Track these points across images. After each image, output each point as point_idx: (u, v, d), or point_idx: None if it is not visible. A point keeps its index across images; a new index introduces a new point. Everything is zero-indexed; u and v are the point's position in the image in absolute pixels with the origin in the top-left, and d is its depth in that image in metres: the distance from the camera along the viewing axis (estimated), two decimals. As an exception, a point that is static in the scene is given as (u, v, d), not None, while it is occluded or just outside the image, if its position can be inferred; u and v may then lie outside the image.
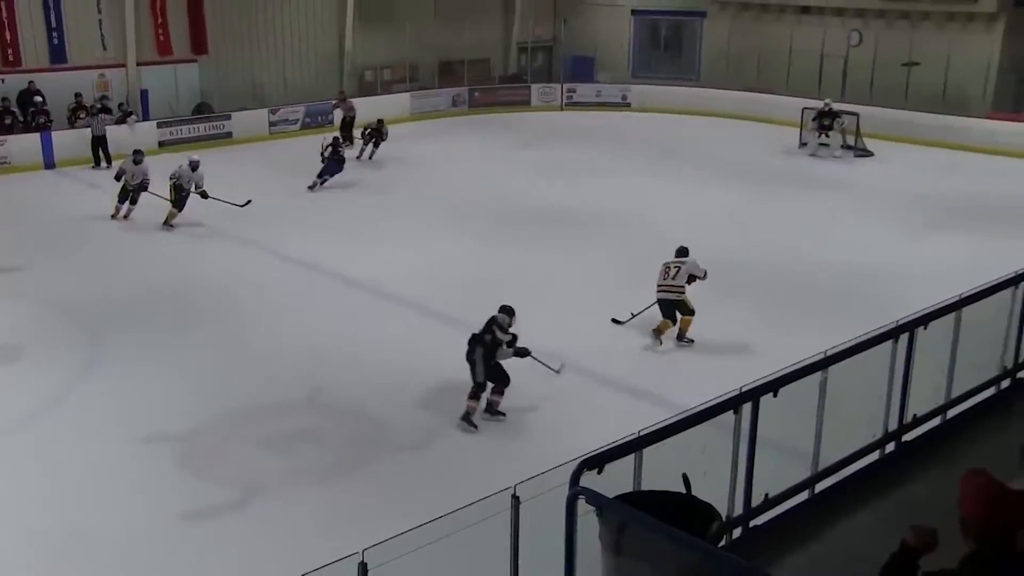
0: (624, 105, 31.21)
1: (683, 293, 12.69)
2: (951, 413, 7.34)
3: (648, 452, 5.05)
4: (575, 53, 33.20)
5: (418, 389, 11.46)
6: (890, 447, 6.95)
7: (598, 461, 4.69)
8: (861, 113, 25.29)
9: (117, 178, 18.27)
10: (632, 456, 5.01)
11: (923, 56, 27.10)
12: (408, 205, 19.59)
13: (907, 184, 21.89)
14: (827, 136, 24.39)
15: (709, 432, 5.40)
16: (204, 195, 17.74)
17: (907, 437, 7.01)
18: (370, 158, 23.24)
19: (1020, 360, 8.21)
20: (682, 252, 13.14)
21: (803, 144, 24.95)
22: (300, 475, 9.69)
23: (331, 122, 26.38)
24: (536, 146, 25.16)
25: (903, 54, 27.30)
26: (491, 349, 10.68)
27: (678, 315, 12.73)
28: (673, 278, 12.73)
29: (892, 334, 6.72)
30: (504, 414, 10.83)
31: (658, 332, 12.74)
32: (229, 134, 25.51)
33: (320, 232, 17.70)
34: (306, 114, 26.92)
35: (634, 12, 33.56)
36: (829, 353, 6.24)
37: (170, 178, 17.86)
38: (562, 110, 30.84)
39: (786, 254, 16.66)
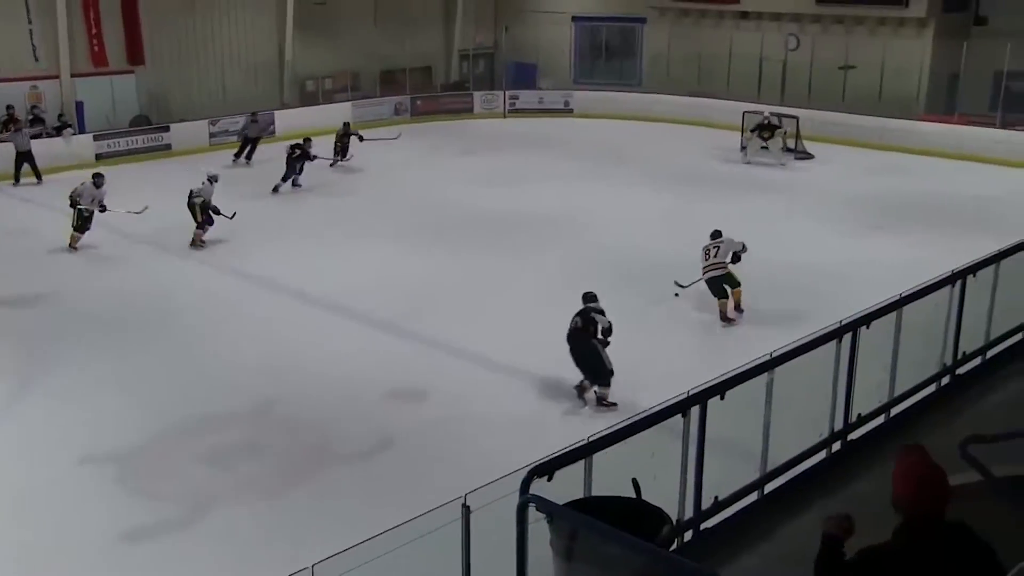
0: (567, 111, 31.34)
1: (726, 269, 13.90)
2: (894, 411, 7.45)
3: (598, 457, 5.05)
4: (517, 60, 33.27)
5: (364, 399, 11.37)
6: (836, 446, 7.03)
7: (548, 468, 4.68)
8: (800, 116, 25.66)
9: (73, 204, 17.00)
10: (582, 462, 5.00)
11: (858, 60, 27.62)
12: (351, 215, 19.46)
13: (846, 186, 22.24)
14: (767, 146, 24.63)
15: (658, 436, 5.41)
16: (103, 209, 17.02)
17: (853, 436, 7.09)
18: (336, 162, 23.35)
19: (959, 357, 8.38)
20: (716, 235, 14.36)
21: (744, 148, 25.22)
22: (246, 490, 9.55)
23: (273, 133, 26.14)
24: (480, 153, 25.17)
25: (839, 58, 27.80)
26: (591, 338, 11.24)
27: (728, 290, 13.80)
28: (715, 257, 13.98)
29: (836, 334, 6.81)
30: (616, 404, 11.04)
31: (723, 315, 13.77)
32: (168, 146, 25.14)
33: (262, 243, 17.52)
34: (246, 124, 26.57)
35: (575, 19, 33.76)
36: (775, 354, 6.30)
37: (71, 196, 17.03)
38: (505, 117, 30.89)
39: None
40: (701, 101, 29.70)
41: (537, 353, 12.51)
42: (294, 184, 21.45)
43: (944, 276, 8.03)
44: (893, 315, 7.39)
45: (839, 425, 7.06)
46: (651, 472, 4.99)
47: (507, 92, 31.65)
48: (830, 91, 27.82)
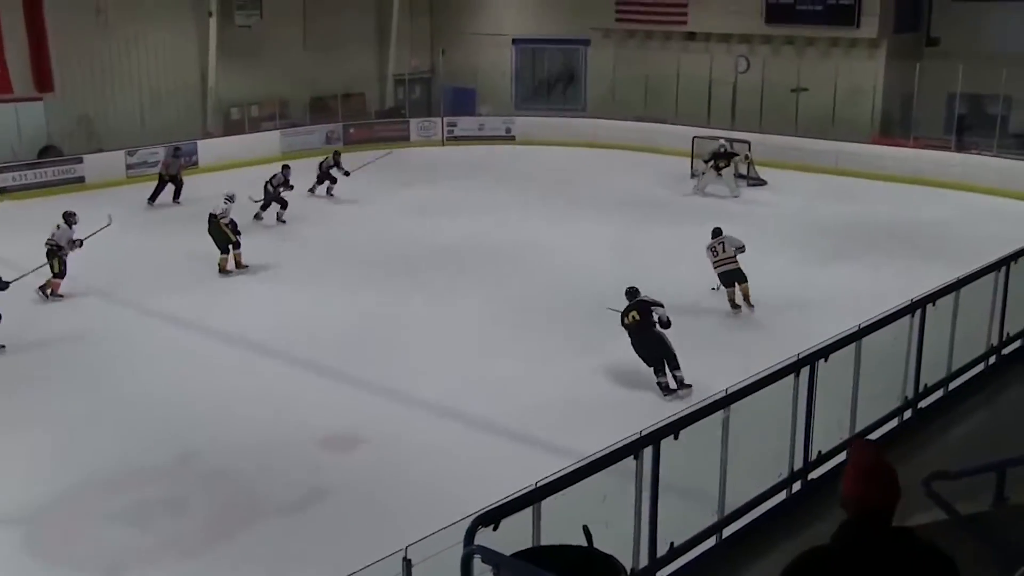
0: (508, 138, 31.53)
1: (736, 263, 15.74)
2: (856, 447, 7.52)
3: (547, 504, 5.02)
4: (455, 85, 33.46)
5: (292, 447, 11.21)
6: (797, 486, 7.07)
7: (493, 517, 4.64)
8: (752, 141, 26.10)
9: (53, 253, 16.39)
10: (529, 509, 4.97)
11: (810, 82, 28.20)
12: (279, 250, 19.28)
13: (801, 212, 22.61)
14: (720, 175, 24.91)
15: (609, 480, 5.40)
16: (80, 244, 16.73)
17: (813, 475, 7.15)
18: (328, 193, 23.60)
19: (920, 390, 8.50)
20: (717, 232, 16.27)
21: (695, 175, 25.51)
22: (166, 550, 9.33)
23: (196, 163, 25.92)
24: (417, 183, 25.17)
25: (791, 80, 28.36)
26: (653, 327, 12.68)
27: (736, 285, 15.59)
28: (724, 252, 15.88)
29: (793, 368, 6.87)
30: (691, 385, 12.43)
31: (732, 302, 15.63)
32: (81, 179, 24.79)
33: (183, 281, 17.31)
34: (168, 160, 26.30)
35: (515, 41, 34.06)
36: (730, 390, 6.33)
37: (49, 244, 16.50)
38: (443, 145, 30.98)
39: (682, 288, 16.93)
40: (648, 126, 30.10)
41: (481, 392, 12.47)
42: (279, 218, 21.23)
43: (903, 305, 8.17)
44: (852, 347, 7.49)
45: (799, 464, 7.11)
46: (603, 518, 4.97)
47: (445, 119, 31.78)
48: (782, 114, 28.34)
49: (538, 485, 5.01)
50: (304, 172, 23.09)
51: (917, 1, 28.54)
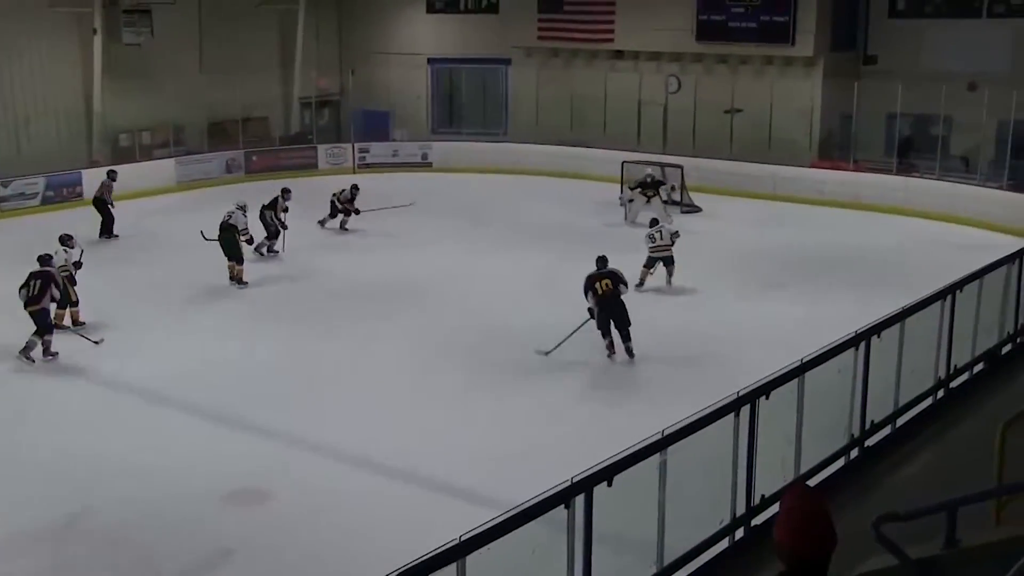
0: (425, 165, 31.59)
1: (671, 249, 19.04)
2: (801, 489, 7.61)
3: (471, 559, 5.00)
4: (366, 108, 33.45)
5: (195, 503, 11.01)
6: (740, 533, 7.13)
7: (415, 574, 4.60)
8: (685, 165, 26.48)
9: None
10: (453, 565, 4.94)
11: (745, 102, 28.75)
12: (173, 291, 18.96)
13: (738, 240, 22.97)
14: (649, 204, 25.16)
15: (539, 531, 5.40)
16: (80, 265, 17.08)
17: (757, 521, 7.21)
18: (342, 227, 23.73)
19: (867, 428, 8.66)
20: (654, 222, 19.88)
21: (624, 202, 25.76)
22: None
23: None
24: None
25: (724, 100, 28.89)
26: (620, 296, 15.32)
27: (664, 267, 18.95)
28: (662, 239, 19.04)
29: (733, 407, 6.95)
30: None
31: (668, 279, 19.16)
32: (-55, 213, 24.25)
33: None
34: (47, 186, 25.82)
35: (431, 61, 34.23)
36: (667, 432, 6.37)
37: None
38: (355, 172, 30.87)
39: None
40: (574, 151, 30.39)
41: (399, 439, 12.39)
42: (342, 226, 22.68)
43: (847, 338, 8.32)
44: (794, 383, 7.60)
45: (741, 509, 7.17)
46: (533, 572, 4.96)
47: (356, 144, 31.74)
48: (716, 137, 28.83)
49: (462, 539, 4.98)
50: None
51: (853, 18, 29.26)
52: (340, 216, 23.91)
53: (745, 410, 7.02)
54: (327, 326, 16.94)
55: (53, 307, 15.76)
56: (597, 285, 15.27)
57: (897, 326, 8.92)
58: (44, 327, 15.28)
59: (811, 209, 26.05)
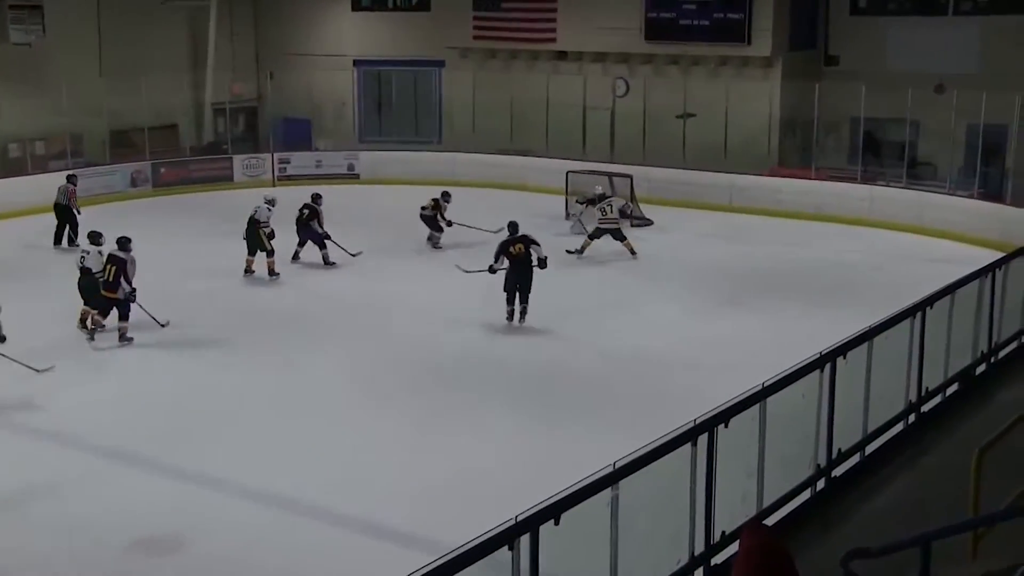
0: (351, 176, 31.46)
1: (618, 222, 22.32)
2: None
3: (406, 610, 4.96)
4: (287, 115, 33.31)
5: (95, 553, 10.83)
6: (699, 573, 7.14)
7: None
8: (635, 174, 26.65)
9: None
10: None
11: (699, 107, 28.98)
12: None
13: (693, 255, 23.14)
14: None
15: (481, 575, 5.36)
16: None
17: (717, 559, 7.23)
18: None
19: (834, 457, 8.73)
20: (603, 196, 23.21)
21: (570, 216, 25.86)
22: None
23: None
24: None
25: (676, 105, 29.09)
26: (530, 261, 17.77)
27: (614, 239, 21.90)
28: (612, 213, 22.28)
29: (689, 436, 6.97)
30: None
31: (582, 247, 22.46)
32: None
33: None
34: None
35: (357, 63, 34.20)
36: (618, 465, 6.37)
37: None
38: (275, 186, 30.66)
39: (558, 346, 17.11)
40: (515, 160, 30.47)
41: (326, 478, 12.28)
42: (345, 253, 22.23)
43: (811, 359, 8.39)
44: (755, 409, 7.64)
45: (700, 547, 7.19)
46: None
47: (275, 155, 31.55)
48: (668, 144, 29.04)
49: (396, 587, 4.94)
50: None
51: (813, 15, 29.71)
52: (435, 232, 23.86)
53: (702, 439, 7.04)
54: (246, 354, 16.77)
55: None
56: (511, 248, 17.90)
57: (864, 346, 9.01)
58: (121, 315, 17.16)
59: (770, 221, 26.33)
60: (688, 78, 29.64)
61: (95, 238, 18.03)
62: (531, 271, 17.79)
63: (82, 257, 17.82)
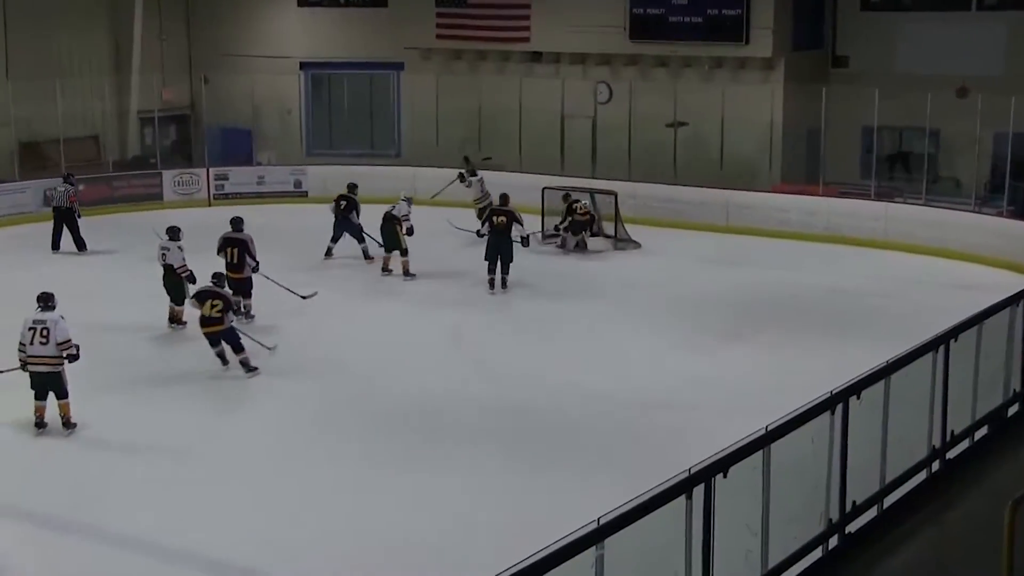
0: (299, 195, 31.35)
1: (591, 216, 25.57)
2: (769, 588, 7.64)
3: None
4: (224, 124, 33.24)
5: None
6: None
7: None
8: (619, 191, 26.59)
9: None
10: None
11: (691, 114, 29.10)
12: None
13: (686, 282, 23.11)
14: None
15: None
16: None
17: (716, 628, 7.20)
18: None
19: (848, 511, 8.70)
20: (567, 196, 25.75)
21: (548, 236, 25.83)
22: None
23: None
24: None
25: (666, 112, 29.18)
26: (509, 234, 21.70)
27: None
28: (588, 205, 25.39)
29: (684, 487, 6.93)
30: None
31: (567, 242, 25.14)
32: None
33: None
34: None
35: (305, 66, 34.16)
36: (603, 521, 6.34)
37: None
38: (211, 205, 30.53)
39: (531, 385, 17.02)
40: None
41: (261, 540, 12.19)
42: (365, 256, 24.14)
43: (821, 399, 8.37)
44: (758, 456, 7.62)
45: (698, 614, 7.15)
46: None
47: (212, 170, 31.40)
48: (656, 157, 29.13)
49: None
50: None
51: (819, 11, 29.86)
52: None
53: (698, 491, 7.02)
54: (175, 404, 16.57)
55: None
56: (495, 219, 21.72)
57: (880, 384, 9.01)
58: (245, 293, 19.71)
59: (773, 243, 26.37)
60: (679, 82, 29.71)
61: (174, 233, 19.76)
62: (510, 244, 21.59)
63: (163, 255, 19.52)
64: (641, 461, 13.18)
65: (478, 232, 22.70)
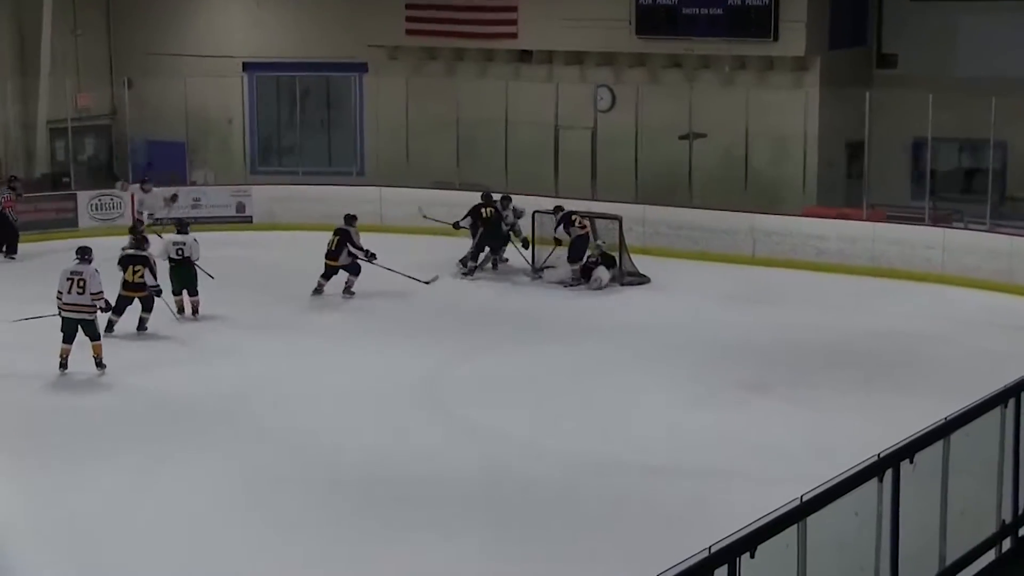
0: (241, 220, 31.38)
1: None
2: None
3: None
4: (152, 136, 33.25)
5: None
6: None
7: None
8: (624, 215, 26.57)
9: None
10: None
11: (710, 124, 29.14)
12: None
13: (703, 324, 23.08)
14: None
15: None
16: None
17: None
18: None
19: (901, 595, 8.61)
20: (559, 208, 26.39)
21: (539, 271, 25.81)
22: None
23: None
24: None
25: (680, 122, 29.20)
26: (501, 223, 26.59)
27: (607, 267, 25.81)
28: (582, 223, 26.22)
29: (703, 569, 6.85)
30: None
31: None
32: None
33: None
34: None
35: (249, 67, 34.20)
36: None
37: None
38: (135, 233, 30.45)
39: (519, 449, 16.95)
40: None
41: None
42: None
43: (865, 464, 8.29)
44: (791, 532, 7.53)
45: None
46: None
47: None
48: (669, 175, 29.19)
49: None
50: None
51: (861, 3, 29.96)
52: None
53: (720, 574, 6.94)
54: (94, 455, 16.56)
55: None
56: (483, 211, 26.06)
57: (938, 446, 8.95)
58: (354, 272, 24.50)
59: (806, 277, 26.42)
60: (695, 86, 29.76)
61: (183, 227, 23.78)
62: (502, 230, 26.51)
63: (179, 249, 23.13)
64: (650, 538, 13.10)
65: (456, 224, 26.25)
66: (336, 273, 24.62)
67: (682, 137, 29.24)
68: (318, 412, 18.37)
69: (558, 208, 25.88)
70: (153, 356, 21.17)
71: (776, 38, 28.70)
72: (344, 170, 33.60)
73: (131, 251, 22.16)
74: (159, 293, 22.06)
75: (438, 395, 18.96)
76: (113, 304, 21.15)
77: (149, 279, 21.65)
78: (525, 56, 31.88)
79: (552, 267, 25.84)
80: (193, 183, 32.49)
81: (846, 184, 29.00)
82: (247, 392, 19.23)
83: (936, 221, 27.07)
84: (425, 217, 27.60)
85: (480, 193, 26.70)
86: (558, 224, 25.63)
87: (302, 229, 30.22)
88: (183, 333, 22.34)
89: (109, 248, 24.64)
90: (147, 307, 21.99)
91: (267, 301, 24.37)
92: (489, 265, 27.05)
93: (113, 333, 21.43)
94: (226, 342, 21.85)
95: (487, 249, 26.23)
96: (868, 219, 27.45)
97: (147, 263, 21.73)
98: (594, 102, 30.73)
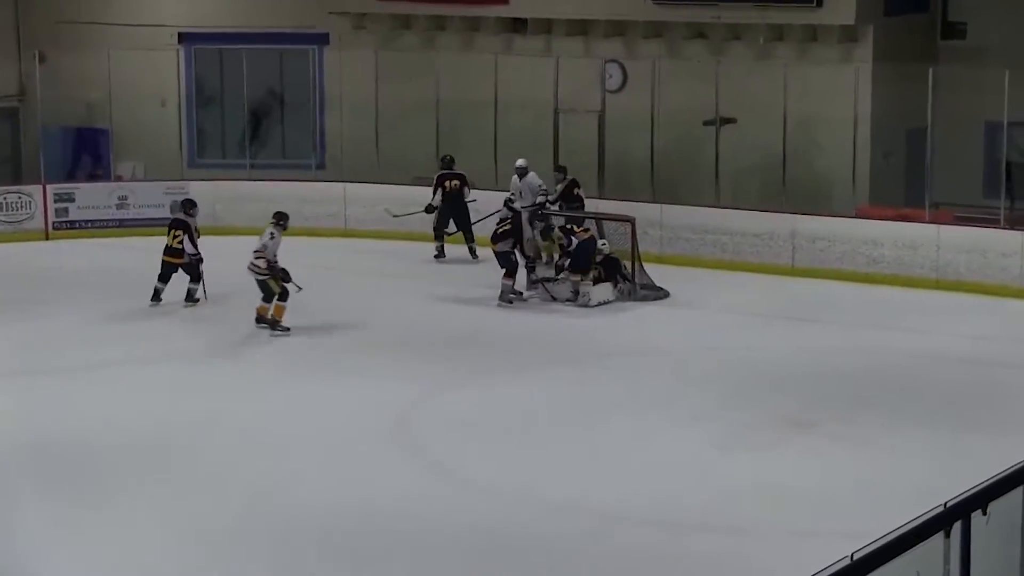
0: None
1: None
2: None
3: None
4: (68, 122, 33.24)
5: None
6: None
7: None
8: (638, 216, 26.55)
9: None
10: None
11: (741, 108, 29.24)
12: None
13: (732, 348, 23.13)
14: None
15: None
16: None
17: None
18: None
19: None
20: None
21: (535, 283, 25.78)
22: None
23: None
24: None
25: (706, 105, 29.28)
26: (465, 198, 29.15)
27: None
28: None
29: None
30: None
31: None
32: None
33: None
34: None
35: (186, 38, 34.22)
36: None
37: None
38: (47, 239, 30.53)
39: (514, 502, 16.94)
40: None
41: None
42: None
43: (929, 515, 8.28)
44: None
45: None
46: None
47: (50, 188, 31.41)
48: (690, 169, 29.33)
49: None
50: None
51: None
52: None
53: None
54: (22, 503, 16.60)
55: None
56: (446, 183, 28.22)
57: (1016, 493, 8.93)
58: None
59: (858, 291, 26.47)
60: (723, 61, 29.81)
61: (188, 207, 25.94)
62: (465, 207, 28.34)
63: (175, 235, 25.37)
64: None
65: (427, 208, 28.64)
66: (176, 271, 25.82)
67: (707, 123, 29.35)
68: (274, 457, 18.39)
69: (561, 168, 25.94)
70: (68, 395, 21.15)
71: (820, 3, 28.78)
72: (301, 163, 33.53)
73: (176, 215, 25.74)
74: (200, 261, 25.10)
75: (412, 440, 18.94)
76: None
77: (188, 246, 24.92)
78: (519, 26, 31.92)
79: (555, 279, 25.71)
80: (119, 178, 32.60)
81: (905, 179, 29.01)
82: (181, 434, 19.24)
83: (1014, 223, 27.08)
84: (395, 217, 28.48)
85: (442, 158, 29.11)
86: (558, 197, 26.94)
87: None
88: (101, 355, 22.31)
89: (16, 256, 24.67)
90: (193, 277, 25.20)
91: (203, 321, 24.37)
92: (467, 253, 28.86)
93: (161, 302, 25.24)
94: (152, 376, 21.79)
95: (453, 227, 28.46)
96: (931, 221, 27.47)
97: (188, 228, 25.08)
98: (601, 80, 30.76)
